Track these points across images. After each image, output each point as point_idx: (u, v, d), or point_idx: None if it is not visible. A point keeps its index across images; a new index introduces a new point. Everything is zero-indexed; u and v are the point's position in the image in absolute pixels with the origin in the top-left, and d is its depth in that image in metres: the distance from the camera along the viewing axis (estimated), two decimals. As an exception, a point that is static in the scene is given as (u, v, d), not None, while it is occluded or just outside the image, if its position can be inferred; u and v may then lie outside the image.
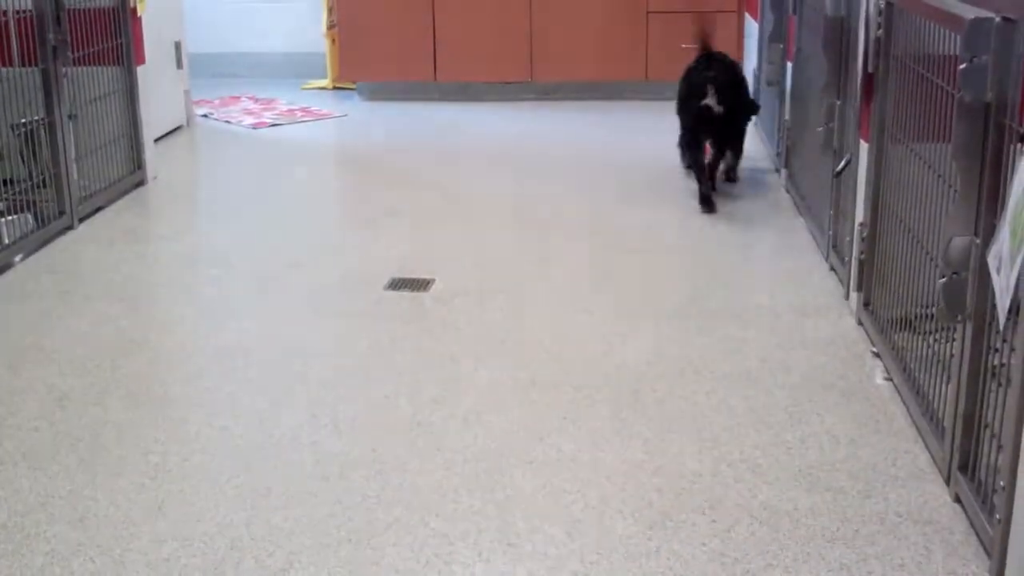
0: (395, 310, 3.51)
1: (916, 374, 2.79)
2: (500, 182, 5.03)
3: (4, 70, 4.02)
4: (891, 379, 2.95)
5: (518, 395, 2.91)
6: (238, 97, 7.01)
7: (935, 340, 2.69)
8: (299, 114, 6.52)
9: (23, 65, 4.11)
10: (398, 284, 3.75)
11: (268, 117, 6.45)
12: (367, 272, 3.86)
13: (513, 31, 6.76)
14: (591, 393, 2.92)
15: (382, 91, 6.90)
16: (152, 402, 2.90)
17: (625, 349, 3.19)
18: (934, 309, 2.64)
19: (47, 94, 4.20)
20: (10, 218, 4.06)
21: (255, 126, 6.25)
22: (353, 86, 7.16)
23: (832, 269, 3.77)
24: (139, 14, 4.92)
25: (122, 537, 2.31)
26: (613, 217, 4.48)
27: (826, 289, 3.64)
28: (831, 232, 3.80)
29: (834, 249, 3.77)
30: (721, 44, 6.63)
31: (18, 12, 4.12)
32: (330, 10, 7.28)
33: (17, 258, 4.00)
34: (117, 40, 4.79)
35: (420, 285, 3.73)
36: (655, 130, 6.00)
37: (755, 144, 5.63)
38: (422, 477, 2.52)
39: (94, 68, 4.60)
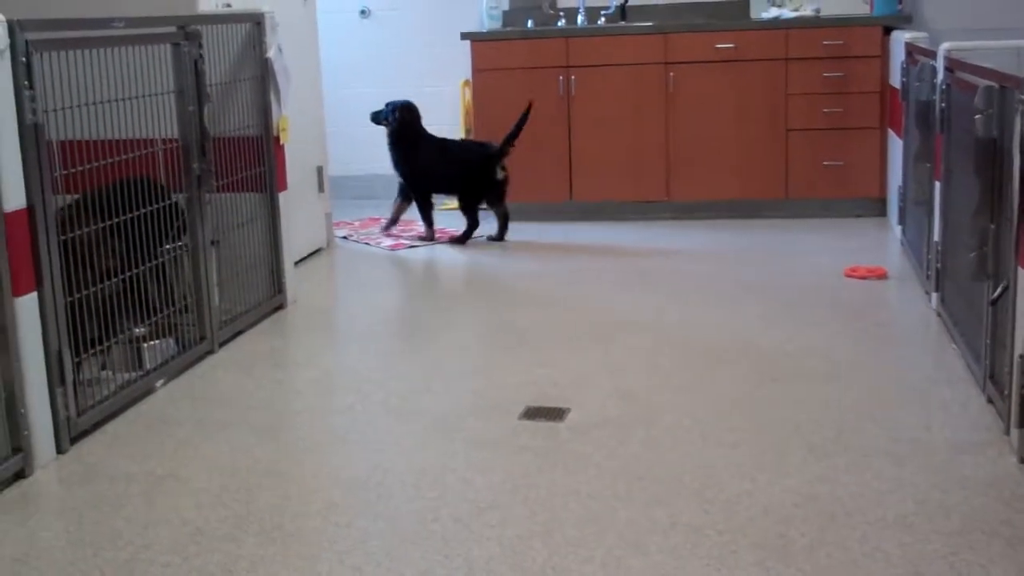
0: (530, 441, 3.43)
1: (1089, 522, 2.59)
2: (638, 304, 4.95)
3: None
4: (1061, 525, 2.75)
5: (658, 538, 2.79)
6: (377, 219, 7.10)
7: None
8: (436, 235, 6.56)
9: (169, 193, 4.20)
10: (533, 413, 3.67)
11: (406, 239, 6.51)
12: (501, 399, 3.80)
13: (649, 150, 6.74)
14: (735, 538, 2.77)
15: (519, 211, 6.92)
16: (284, 538, 2.86)
17: (771, 488, 3.05)
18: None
19: (191, 221, 4.29)
20: (153, 343, 4.12)
21: (393, 248, 6.30)
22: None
23: (990, 401, 3.57)
24: (283, 143, 5.03)
25: None
26: (755, 341, 4.34)
27: (984, 423, 3.44)
28: (988, 362, 3.61)
29: (991, 380, 3.57)
30: (863, 160, 6.53)
31: (166, 142, 4.23)
32: (468, 131, 7.37)
33: (159, 383, 4.05)
34: (260, 168, 4.89)
35: (556, 414, 3.65)
36: (796, 250, 5.88)
37: (904, 265, 5.46)
38: (557, 627, 2.41)
39: (237, 195, 4.70)
